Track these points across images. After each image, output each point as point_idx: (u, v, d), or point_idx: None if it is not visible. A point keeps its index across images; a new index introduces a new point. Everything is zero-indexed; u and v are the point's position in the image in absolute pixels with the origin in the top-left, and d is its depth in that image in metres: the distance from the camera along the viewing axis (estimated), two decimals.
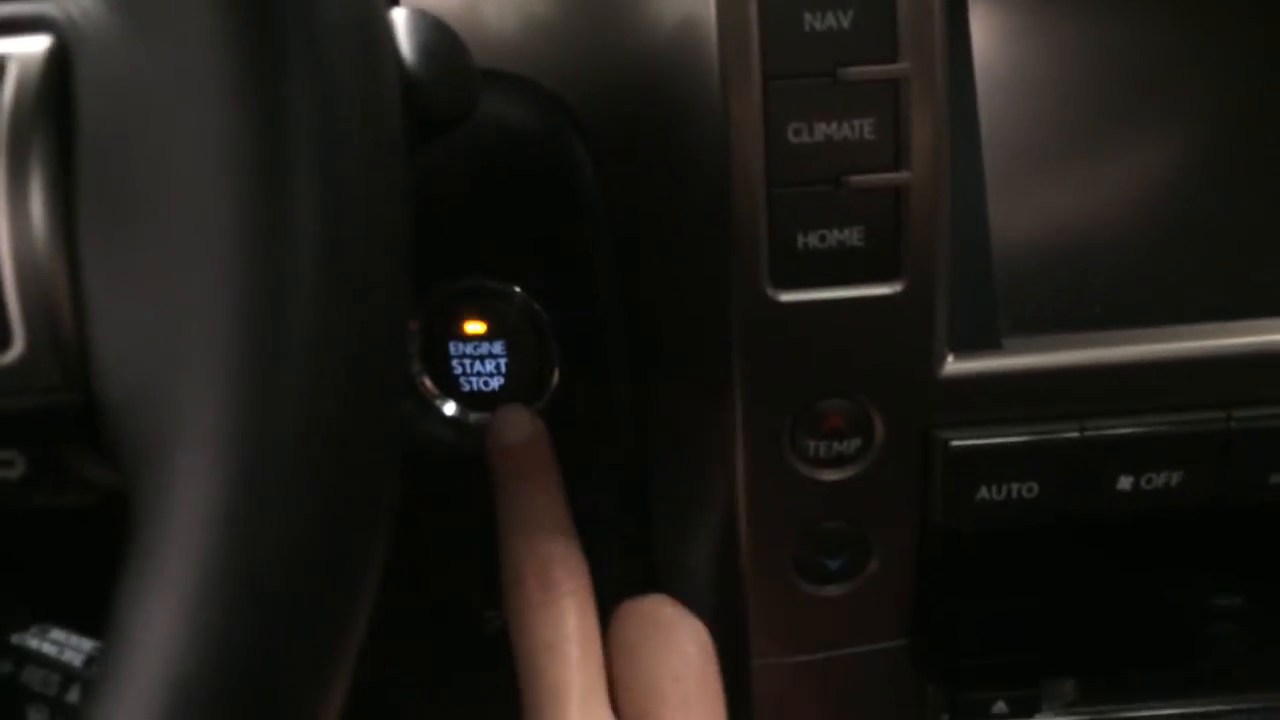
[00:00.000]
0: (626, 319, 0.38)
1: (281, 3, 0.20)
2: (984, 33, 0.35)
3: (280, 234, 0.20)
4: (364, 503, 0.21)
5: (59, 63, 0.22)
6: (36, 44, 0.22)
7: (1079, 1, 0.36)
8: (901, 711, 0.41)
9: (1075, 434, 0.36)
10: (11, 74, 0.22)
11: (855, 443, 0.35)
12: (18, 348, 0.21)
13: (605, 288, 0.38)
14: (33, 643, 0.25)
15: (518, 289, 0.40)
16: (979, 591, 0.40)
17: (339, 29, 0.21)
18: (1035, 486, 0.36)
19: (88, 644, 0.27)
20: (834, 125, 0.32)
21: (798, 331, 0.34)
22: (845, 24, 0.32)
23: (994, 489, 0.36)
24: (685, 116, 0.34)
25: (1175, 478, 0.37)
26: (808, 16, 0.32)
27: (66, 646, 0.26)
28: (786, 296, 0.33)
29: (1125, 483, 0.36)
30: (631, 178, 0.37)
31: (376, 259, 0.21)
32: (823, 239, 0.33)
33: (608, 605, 0.37)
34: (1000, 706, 0.40)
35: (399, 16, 0.26)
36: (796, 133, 0.32)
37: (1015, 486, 0.36)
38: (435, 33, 0.26)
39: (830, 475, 0.36)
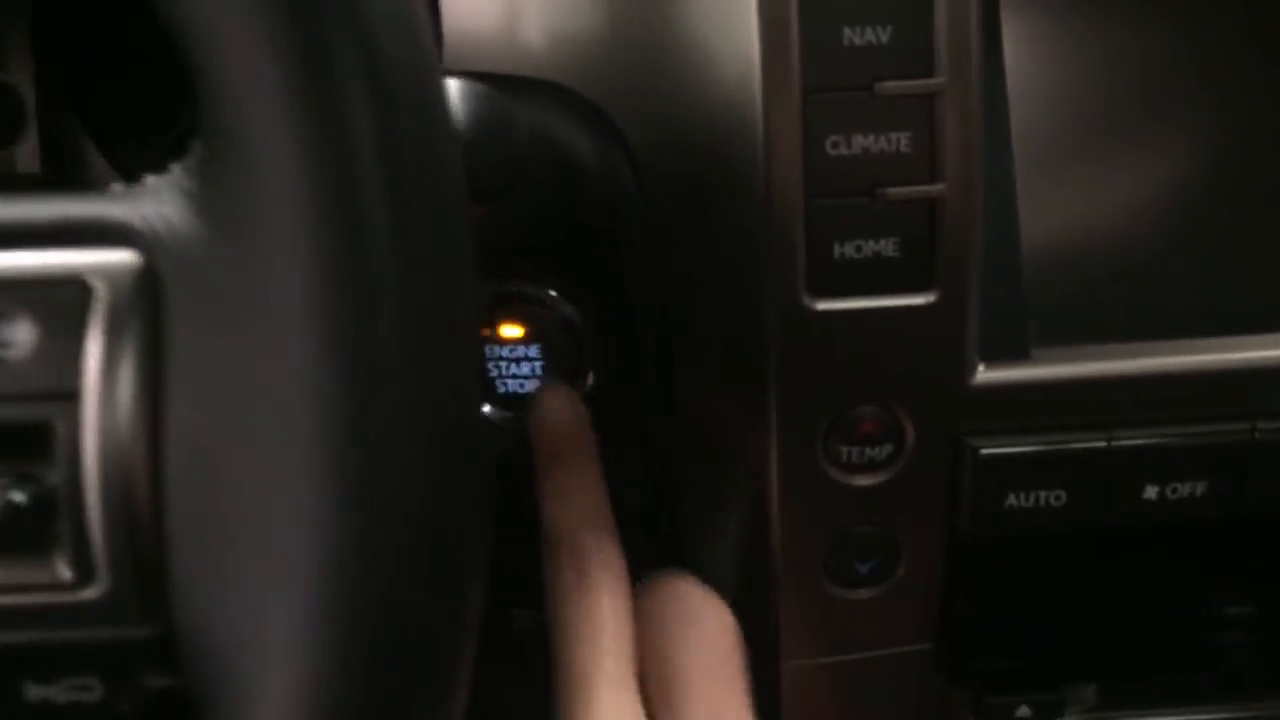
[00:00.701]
0: (661, 323, 0.39)
1: (374, 236, 0.20)
2: (1015, 45, 0.36)
3: (367, 497, 0.20)
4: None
5: (149, 284, 0.21)
6: (122, 261, 0.22)
7: (1107, 13, 0.37)
8: (927, 713, 0.41)
9: (1103, 443, 0.36)
10: (102, 298, 0.21)
11: (886, 449, 0.36)
12: (102, 585, 0.21)
13: (641, 293, 0.39)
14: None
15: (554, 293, 0.41)
16: (1004, 596, 0.40)
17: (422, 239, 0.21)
18: (1063, 495, 0.36)
19: None
20: (871, 138, 0.33)
21: (832, 339, 0.35)
22: (883, 39, 0.32)
23: (1022, 496, 0.36)
24: (724, 127, 0.34)
25: (1200, 488, 0.37)
26: (847, 31, 0.32)
27: None
28: (822, 305, 0.34)
29: (1151, 492, 0.37)
30: (669, 186, 0.37)
31: (464, 458, 0.22)
32: (858, 249, 0.34)
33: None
34: (1024, 710, 0.40)
35: (454, 87, 0.27)
36: (834, 145, 0.33)
37: (1043, 494, 0.36)
38: (487, 104, 0.26)
39: (861, 480, 0.36)
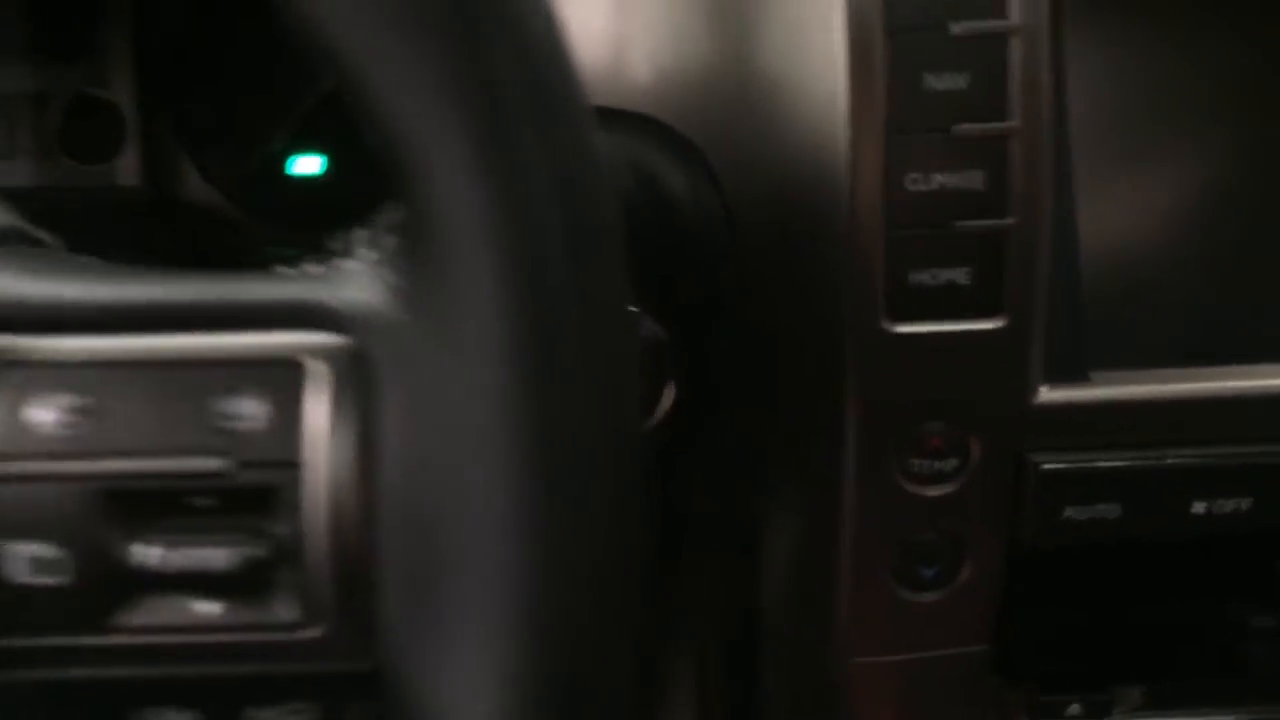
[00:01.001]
0: (742, 341, 0.42)
1: (559, 328, 0.22)
2: (1079, 88, 0.38)
3: (557, 556, 0.22)
4: None
5: (355, 363, 0.23)
6: (329, 342, 0.23)
7: (1162, 56, 0.39)
8: (982, 711, 0.44)
9: (1155, 461, 0.39)
10: (315, 375, 0.23)
11: (953, 462, 0.39)
12: (320, 627, 0.23)
13: (724, 312, 0.42)
14: None
15: (638, 309, 0.44)
16: (1058, 601, 0.43)
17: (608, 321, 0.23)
18: (1117, 508, 0.39)
19: None
20: (947, 175, 0.36)
21: (907, 360, 0.37)
22: (962, 85, 0.35)
23: (1079, 509, 0.39)
24: (809, 162, 0.37)
25: (1245, 504, 0.39)
26: (929, 77, 0.35)
27: None
28: (899, 329, 0.37)
29: (1199, 507, 0.39)
30: (754, 215, 0.40)
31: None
32: (933, 277, 0.36)
33: (718, 604, 0.40)
34: (1075, 709, 0.43)
35: None
36: (913, 181, 0.36)
37: (1099, 508, 0.39)
38: None
39: (930, 491, 0.39)
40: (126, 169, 0.57)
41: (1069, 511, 0.39)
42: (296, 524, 0.23)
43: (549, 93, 0.23)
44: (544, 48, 0.23)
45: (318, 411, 0.23)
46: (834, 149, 0.36)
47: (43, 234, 0.27)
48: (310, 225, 0.58)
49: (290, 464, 0.23)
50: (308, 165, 0.59)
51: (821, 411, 0.39)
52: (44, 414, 0.23)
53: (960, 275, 0.37)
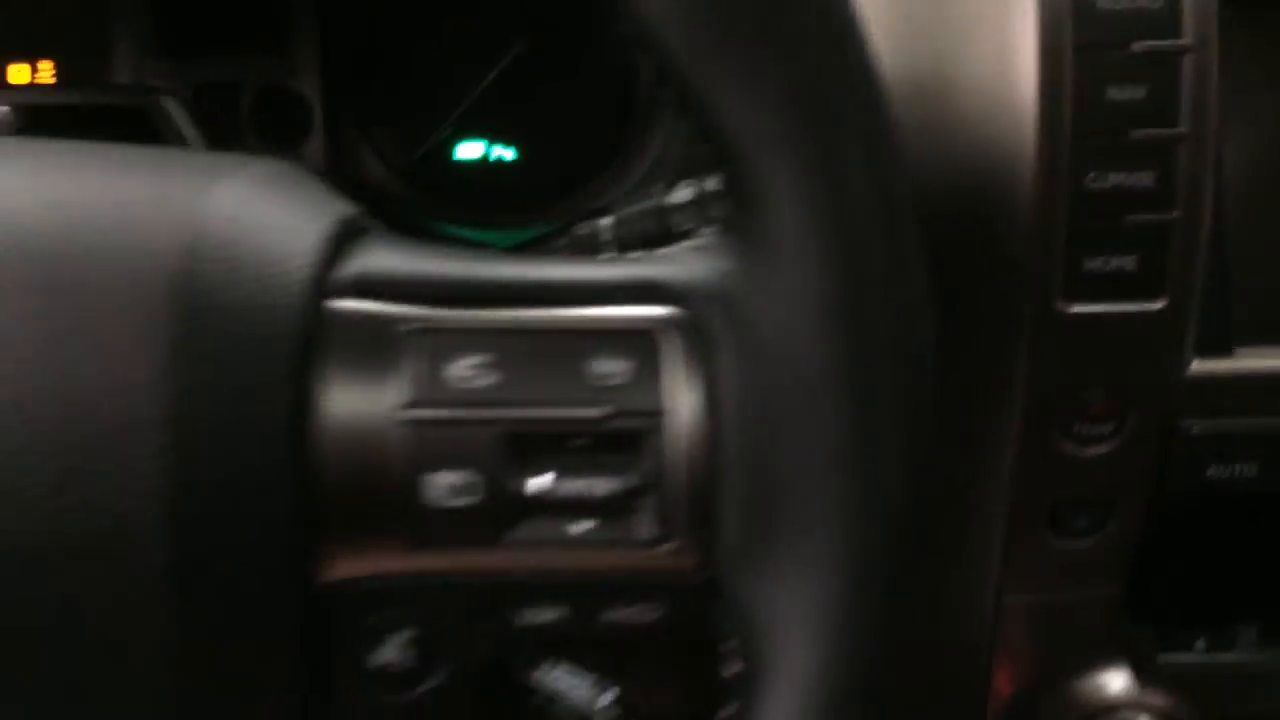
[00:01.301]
0: None
1: (873, 270, 0.27)
2: (1238, 98, 0.43)
3: (883, 491, 0.27)
4: None
5: (698, 329, 0.28)
6: (676, 313, 0.28)
7: None
8: (1116, 646, 0.49)
9: None
10: (669, 341, 0.28)
11: (1110, 426, 0.44)
12: (672, 544, 0.28)
13: None
14: (551, 681, 0.33)
15: None
16: (1190, 547, 0.48)
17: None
18: (1255, 467, 0.44)
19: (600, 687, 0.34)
20: (1122, 175, 0.40)
21: (1076, 337, 0.42)
22: (1140, 95, 0.40)
23: (1220, 468, 0.44)
24: (995, 162, 0.42)
25: None
26: (1110, 89, 0.40)
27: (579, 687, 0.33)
28: (1072, 309, 0.42)
29: None
30: (938, 205, 0.45)
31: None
32: (1105, 264, 0.41)
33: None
34: (1201, 643, 0.48)
35: None
36: (1092, 180, 0.40)
37: (1238, 467, 0.44)
38: None
39: (1087, 452, 0.44)
40: (312, 155, 0.61)
41: (1211, 470, 0.44)
42: (658, 460, 0.28)
43: (856, 83, 0.27)
44: (852, 44, 0.28)
45: (673, 370, 0.28)
46: (1023, 151, 0.41)
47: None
48: (472, 205, 0.62)
49: (654, 413, 0.28)
50: (470, 151, 0.64)
51: (993, 381, 0.44)
52: (459, 371, 0.28)
53: (1128, 262, 0.41)
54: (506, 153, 0.64)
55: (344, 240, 0.29)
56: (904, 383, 0.28)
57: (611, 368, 0.28)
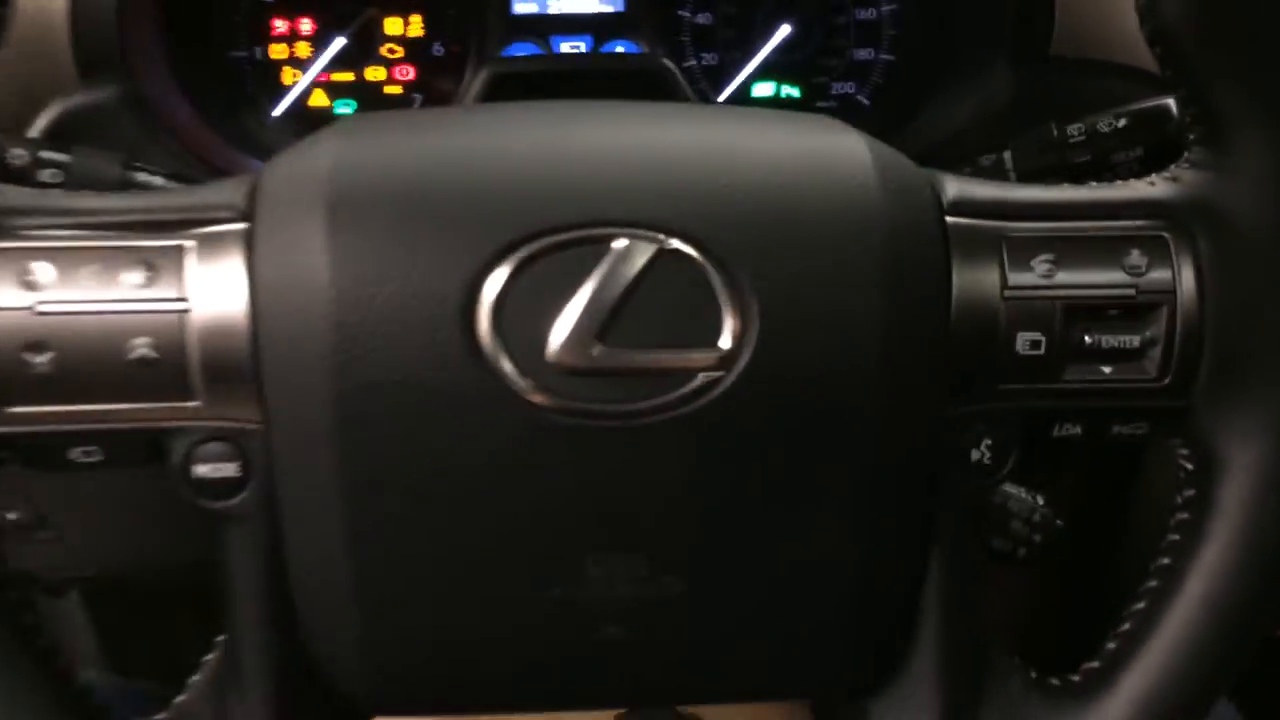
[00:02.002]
0: None
1: None
2: None
3: None
4: None
5: (1196, 236, 0.39)
6: (1175, 226, 0.39)
7: None
8: None
9: None
10: (1184, 246, 0.39)
11: None
12: (1169, 379, 0.40)
13: None
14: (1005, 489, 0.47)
15: None
16: None
17: None
18: None
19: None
20: None
21: None
22: None
23: None
24: None
25: None
26: None
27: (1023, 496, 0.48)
28: None
29: None
30: None
31: None
32: None
33: None
34: None
35: None
36: None
37: None
38: None
39: None
40: None
41: None
42: (1166, 325, 0.40)
43: None
44: None
45: (1178, 261, 0.40)
46: None
47: None
48: None
49: (1165, 291, 0.40)
50: (763, 90, 0.75)
51: None
52: (1036, 264, 0.40)
53: None
54: (793, 92, 0.76)
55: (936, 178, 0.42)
56: None
57: (1136, 260, 0.41)
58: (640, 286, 0.36)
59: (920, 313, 0.39)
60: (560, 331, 0.36)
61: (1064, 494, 0.49)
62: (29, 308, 0.36)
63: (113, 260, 0.37)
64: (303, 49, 0.69)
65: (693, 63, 0.72)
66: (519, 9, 0.69)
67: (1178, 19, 0.38)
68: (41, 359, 0.36)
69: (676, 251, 0.37)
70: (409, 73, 0.70)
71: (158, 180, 0.50)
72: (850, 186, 0.38)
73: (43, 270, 0.36)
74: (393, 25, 0.70)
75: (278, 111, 0.69)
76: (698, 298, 0.37)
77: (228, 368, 0.37)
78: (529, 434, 0.37)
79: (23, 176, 0.47)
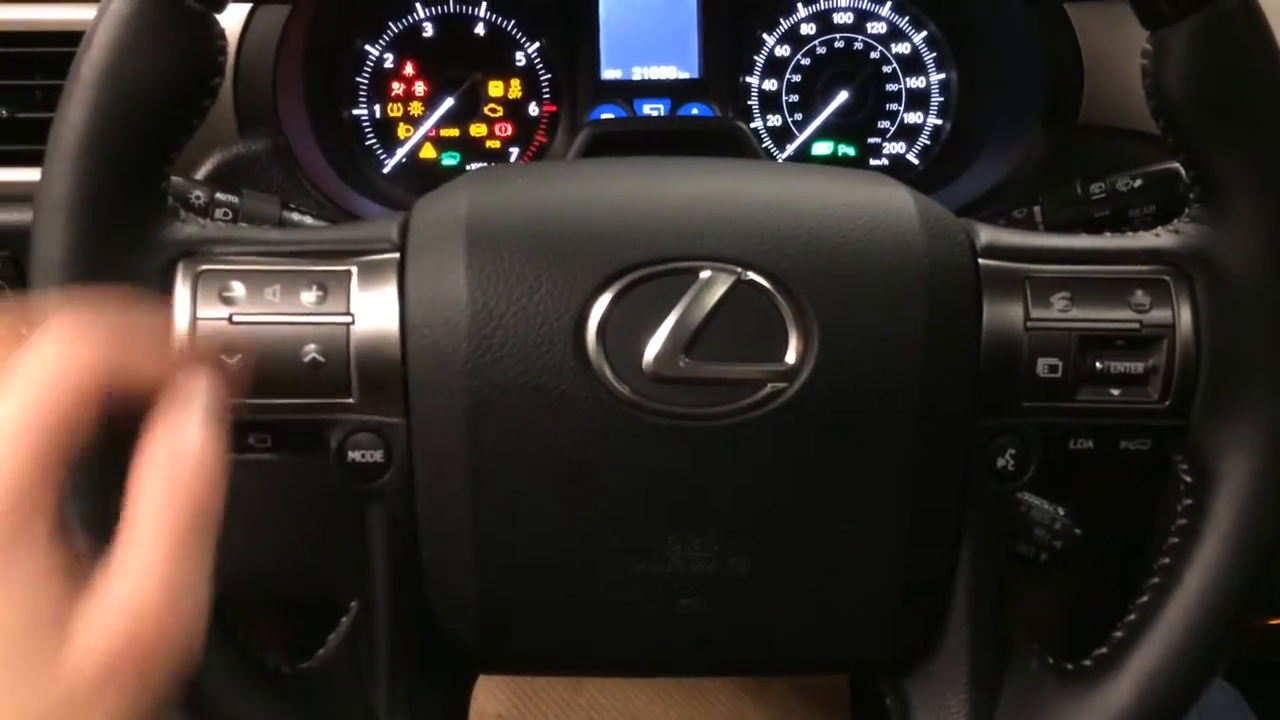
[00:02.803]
0: None
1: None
2: None
3: None
4: None
5: (1193, 287, 0.45)
6: (1177, 272, 0.46)
7: None
8: None
9: None
10: (1183, 289, 0.45)
11: None
12: (1168, 402, 0.46)
13: None
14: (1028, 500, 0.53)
15: None
16: None
17: None
18: None
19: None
20: None
21: None
22: None
23: None
24: None
25: None
26: None
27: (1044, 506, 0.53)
28: None
29: None
30: None
31: None
32: None
33: None
34: None
35: None
36: None
37: None
38: None
39: None
40: None
41: None
42: (1165, 355, 0.46)
43: None
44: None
45: (1175, 301, 0.46)
46: None
47: None
48: None
49: (1165, 325, 0.46)
50: (822, 149, 0.83)
51: None
52: (1054, 301, 0.46)
53: None
54: (849, 151, 0.84)
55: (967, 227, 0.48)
56: None
57: (1142, 299, 0.47)
58: (720, 311, 0.44)
59: (955, 339, 0.45)
60: (653, 347, 0.43)
61: (1086, 508, 0.55)
62: (226, 318, 0.45)
63: (292, 281, 0.45)
64: (416, 108, 0.78)
65: (759, 124, 0.80)
66: (606, 75, 0.78)
67: (1177, 96, 0.45)
68: (233, 360, 0.45)
69: (751, 282, 0.44)
70: (508, 129, 0.79)
71: (309, 220, 0.59)
72: (897, 231, 0.46)
73: (237, 289, 0.45)
74: (495, 88, 0.79)
75: (393, 161, 0.79)
76: (767, 321, 0.44)
77: (380, 371, 0.45)
78: (624, 432, 0.44)
79: (201, 213, 0.56)
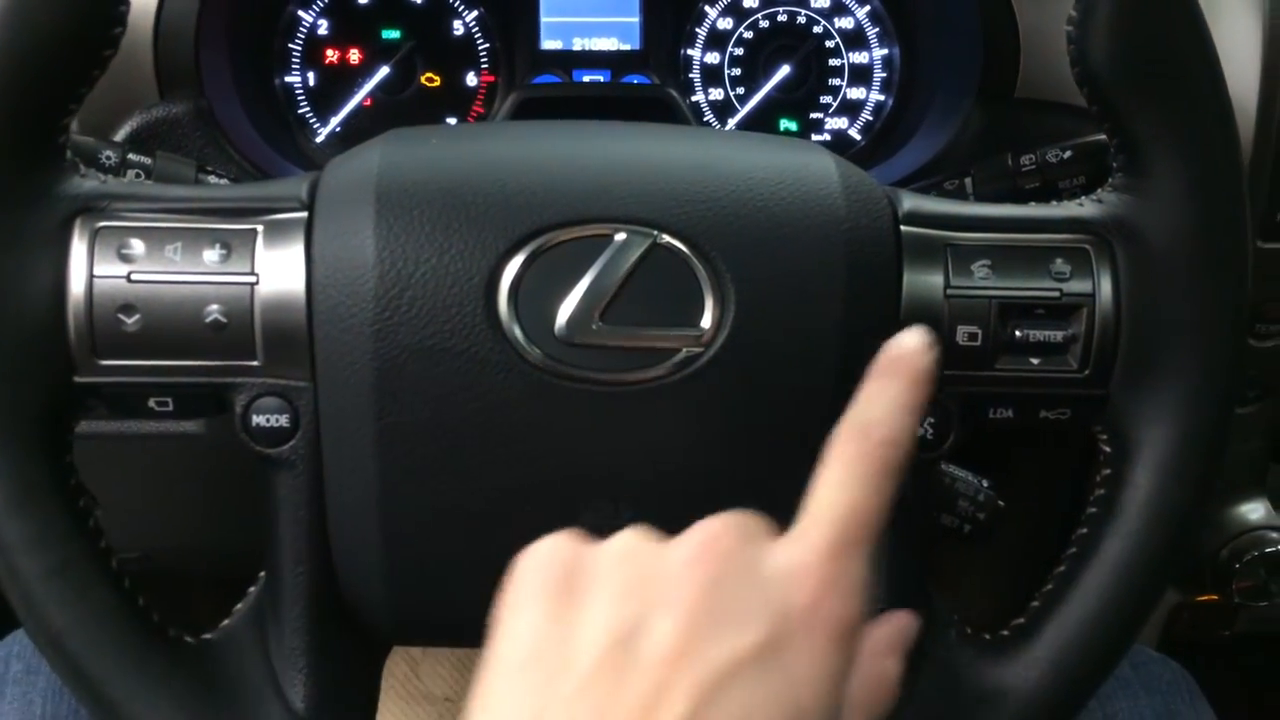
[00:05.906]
0: None
1: (1229, 201, 0.45)
2: None
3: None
4: None
5: (1110, 253, 0.45)
6: (1098, 241, 0.46)
7: None
8: (1262, 484, 0.69)
9: None
10: (1103, 257, 0.45)
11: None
12: (1088, 370, 0.46)
13: None
14: (952, 471, 0.53)
15: None
16: None
17: None
18: None
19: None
20: None
21: (1268, 268, 0.61)
22: None
23: None
24: None
25: None
26: None
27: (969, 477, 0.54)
28: (1267, 245, 0.61)
29: None
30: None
31: None
32: None
33: None
34: None
35: None
36: None
37: None
38: None
39: (1262, 345, 0.64)
40: None
41: None
42: (1085, 323, 0.46)
43: (1219, 108, 0.45)
44: (1219, 85, 0.45)
45: (1096, 269, 0.46)
46: (1246, 109, 0.57)
47: None
48: None
49: (1086, 294, 0.46)
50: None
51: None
52: (974, 269, 0.46)
53: None
54: (792, 125, 0.83)
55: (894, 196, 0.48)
56: (1237, 274, 0.46)
57: (1062, 268, 0.47)
58: (635, 274, 0.43)
59: (874, 306, 0.45)
60: (566, 310, 0.43)
61: (1010, 479, 0.55)
62: (124, 276, 0.43)
63: (195, 239, 0.44)
64: (350, 76, 0.77)
65: (700, 97, 0.80)
66: (546, 45, 0.77)
67: (1100, 62, 0.45)
68: (131, 320, 0.43)
69: (668, 246, 0.43)
70: (445, 99, 0.78)
71: (225, 184, 0.58)
72: (818, 196, 0.45)
73: (136, 246, 0.44)
74: (432, 57, 0.78)
75: (326, 130, 0.77)
76: (684, 285, 0.43)
77: (285, 333, 0.44)
78: (536, 396, 0.43)
79: (112, 174, 0.55)
